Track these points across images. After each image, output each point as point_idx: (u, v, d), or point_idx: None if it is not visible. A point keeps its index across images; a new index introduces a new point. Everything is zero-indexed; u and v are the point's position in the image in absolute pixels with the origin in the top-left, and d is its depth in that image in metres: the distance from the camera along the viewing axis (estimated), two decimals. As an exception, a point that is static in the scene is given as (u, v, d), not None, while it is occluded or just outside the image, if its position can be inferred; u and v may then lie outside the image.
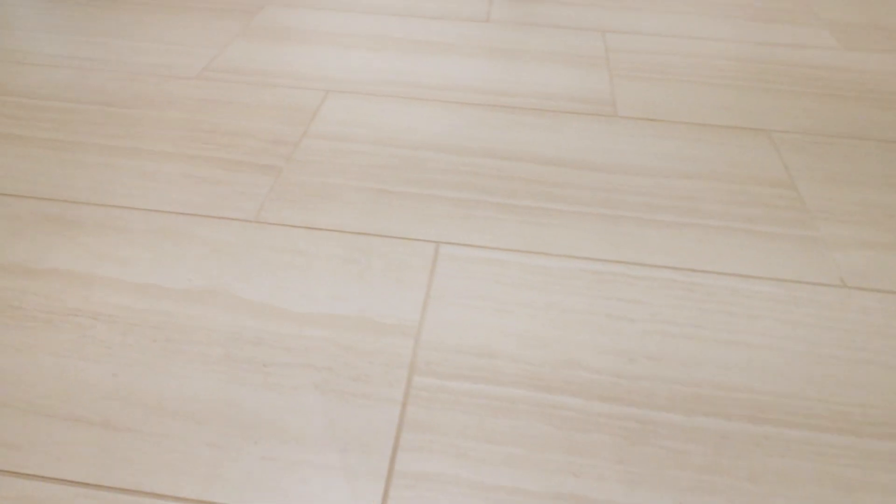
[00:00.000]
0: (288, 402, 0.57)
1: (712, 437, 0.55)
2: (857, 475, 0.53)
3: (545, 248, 0.74)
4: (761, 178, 0.85)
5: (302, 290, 0.68)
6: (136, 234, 0.74)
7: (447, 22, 1.26)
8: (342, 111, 0.97)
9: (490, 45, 1.18)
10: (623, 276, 0.70)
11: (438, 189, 0.82)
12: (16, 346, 0.61)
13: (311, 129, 0.93)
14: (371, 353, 0.61)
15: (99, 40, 1.15)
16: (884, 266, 0.72)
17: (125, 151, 0.87)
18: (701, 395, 0.59)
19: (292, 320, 0.64)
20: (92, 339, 0.62)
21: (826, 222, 0.79)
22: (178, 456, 0.53)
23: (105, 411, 0.56)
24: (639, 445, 0.55)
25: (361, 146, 0.90)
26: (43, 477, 0.51)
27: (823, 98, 1.04)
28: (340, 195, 0.81)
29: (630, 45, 1.19)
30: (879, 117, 0.99)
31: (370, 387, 0.58)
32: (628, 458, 0.54)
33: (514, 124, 0.95)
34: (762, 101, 1.03)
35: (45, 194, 0.79)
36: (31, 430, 0.54)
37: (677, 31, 1.25)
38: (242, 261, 0.71)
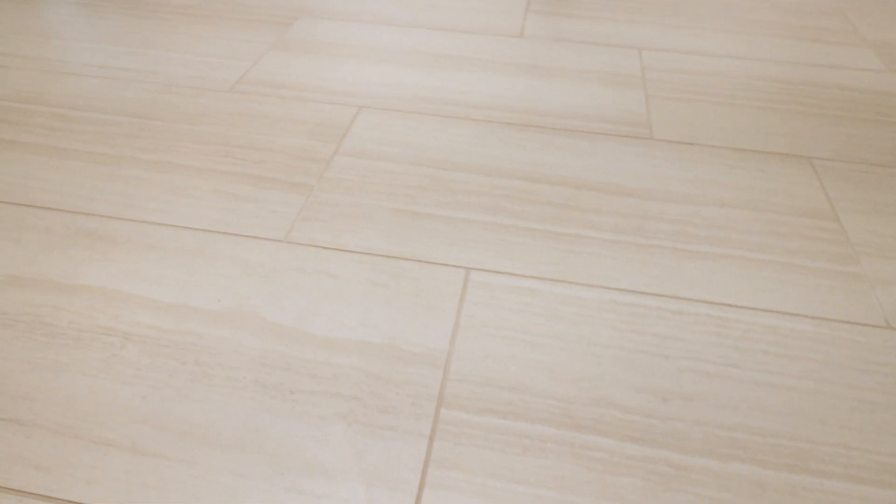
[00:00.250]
0: (315, 432, 0.56)
1: (748, 485, 0.54)
2: (902, 533, 0.51)
3: (577, 278, 0.72)
4: (802, 209, 0.83)
5: (330, 314, 0.67)
6: (166, 251, 0.74)
7: (480, 36, 1.25)
8: (374, 128, 0.97)
9: (523, 62, 1.16)
10: (657, 309, 0.69)
11: (468, 212, 0.81)
12: (48, 365, 0.61)
13: (342, 146, 0.92)
14: (399, 383, 0.61)
15: (136, 50, 1.16)
16: (931, 306, 0.70)
17: (159, 165, 0.88)
18: (736, 440, 0.57)
19: (320, 346, 0.64)
20: (122, 359, 0.62)
21: (870, 257, 0.76)
22: (202, 484, 0.52)
23: (133, 435, 0.56)
24: (672, 491, 0.53)
25: (392, 165, 0.89)
26: (71, 502, 0.51)
27: (868, 123, 1.01)
28: (370, 215, 0.80)
29: (667, 64, 1.17)
30: (927, 145, 0.96)
31: (397, 419, 0.58)
32: (660, 506, 0.52)
33: (546, 145, 0.94)
34: (804, 126, 1.00)
35: (79, 208, 0.80)
36: (61, 452, 0.54)
37: (716, 49, 1.22)
38: (272, 282, 0.71)
